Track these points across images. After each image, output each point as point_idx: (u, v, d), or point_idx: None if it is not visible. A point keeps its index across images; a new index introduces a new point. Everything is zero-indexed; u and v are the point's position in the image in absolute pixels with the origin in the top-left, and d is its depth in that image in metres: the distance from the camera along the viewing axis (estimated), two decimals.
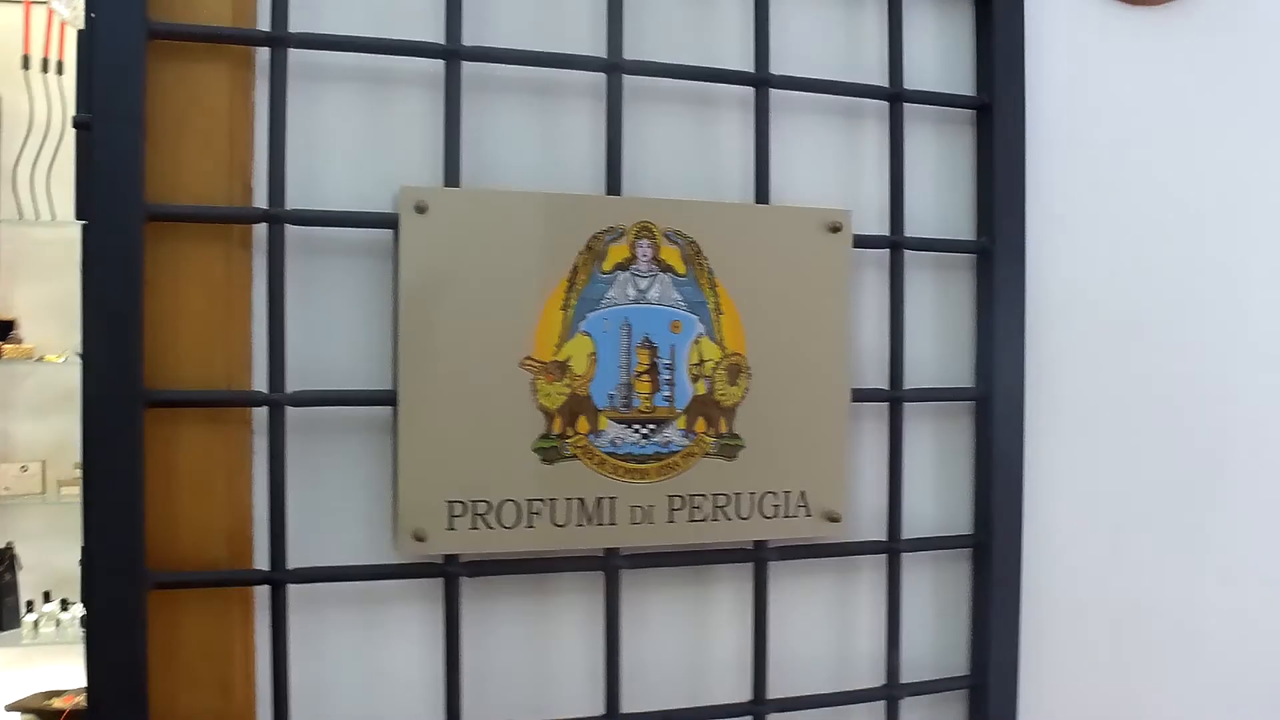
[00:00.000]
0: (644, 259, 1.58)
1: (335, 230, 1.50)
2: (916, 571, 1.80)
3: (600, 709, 1.61)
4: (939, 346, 1.80)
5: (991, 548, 1.78)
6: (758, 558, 1.67)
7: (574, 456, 1.55)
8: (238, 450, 1.47)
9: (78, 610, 5.32)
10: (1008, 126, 1.79)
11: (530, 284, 1.53)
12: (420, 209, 1.49)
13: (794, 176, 1.72)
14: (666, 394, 1.59)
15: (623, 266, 1.57)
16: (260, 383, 1.47)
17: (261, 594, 1.48)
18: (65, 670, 5.40)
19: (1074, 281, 1.86)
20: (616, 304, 1.57)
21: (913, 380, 1.77)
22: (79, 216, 1.44)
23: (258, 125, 1.48)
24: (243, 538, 1.47)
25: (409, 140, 1.55)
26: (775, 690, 1.68)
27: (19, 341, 5.24)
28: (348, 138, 1.53)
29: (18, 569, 5.36)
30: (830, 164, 1.75)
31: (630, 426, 1.57)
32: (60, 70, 5.28)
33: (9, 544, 5.34)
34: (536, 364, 1.53)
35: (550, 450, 1.54)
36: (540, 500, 1.53)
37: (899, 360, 1.74)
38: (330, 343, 1.51)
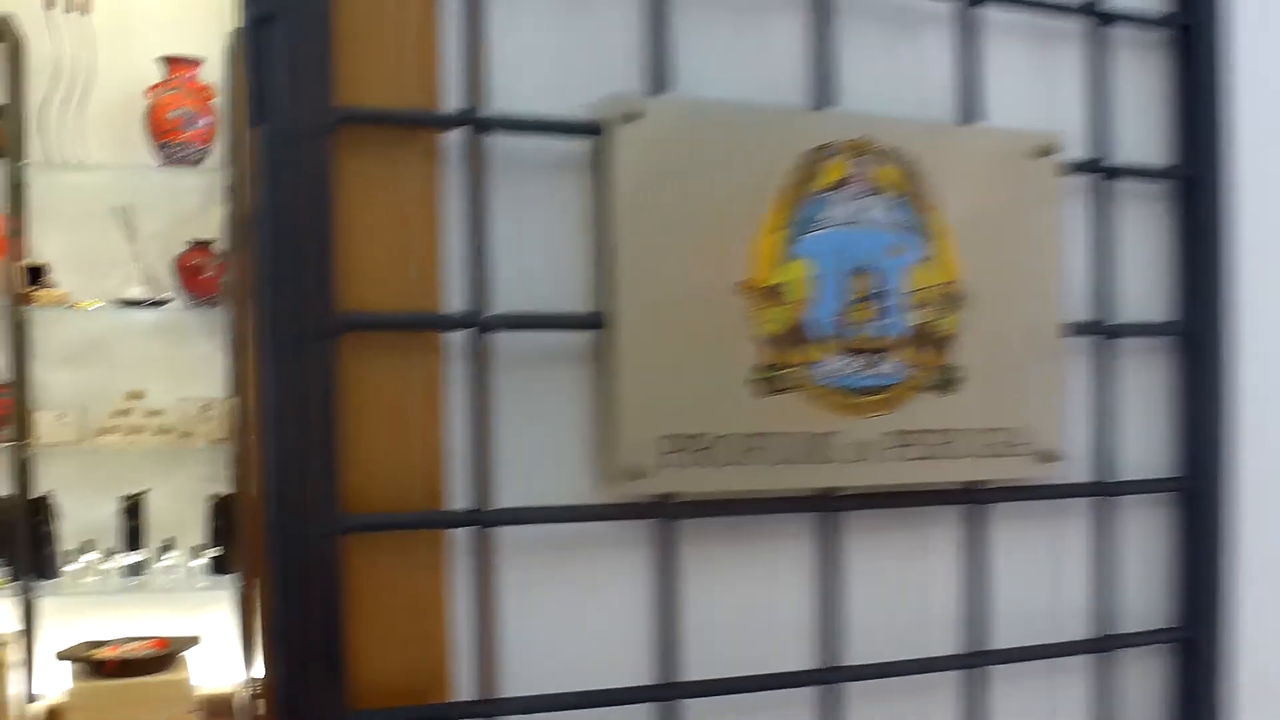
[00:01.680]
0: (859, 179, 1.45)
1: (527, 142, 1.36)
2: (1120, 516, 1.67)
3: (812, 660, 1.48)
4: (1135, 280, 1.67)
5: (1206, 491, 1.66)
6: (973, 499, 1.54)
7: (792, 389, 1.41)
8: (430, 380, 1.33)
9: (119, 560, 5.20)
10: (1207, 47, 1.66)
11: (744, 202, 1.39)
12: (629, 117, 1.35)
13: (994, 98, 1.58)
14: (885, 322, 1.46)
15: (837, 186, 1.44)
16: (450, 306, 1.33)
17: (454, 539, 1.35)
18: (108, 620, 5.30)
19: None
20: (832, 226, 1.43)
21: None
22: (254, 123, 1.30)
23: (444, 26, 1.34)
24: (435, 477, 1.34)
25: (606, 48, 1.40)
26: (987, 641, 1.56)
27: (51, 288, 5.08)
28: (541, 44, 1.38)
29: (57, 518, 5.23)
30: (1026, 87, 1.62)
31: (849, 357, 1.44)
32: (84, 10, 5.11)
33: (47, 493, 5.21)
34: (753, 288, 1.39)
35: (768, 382, 1.40)
36: (758, 435, 1.40)
37: (1108, 293, 1.61)
38: (520, 264, 1.37)
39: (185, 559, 5.33)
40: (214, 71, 5.21)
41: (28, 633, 5.07)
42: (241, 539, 5.24)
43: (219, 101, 5.22)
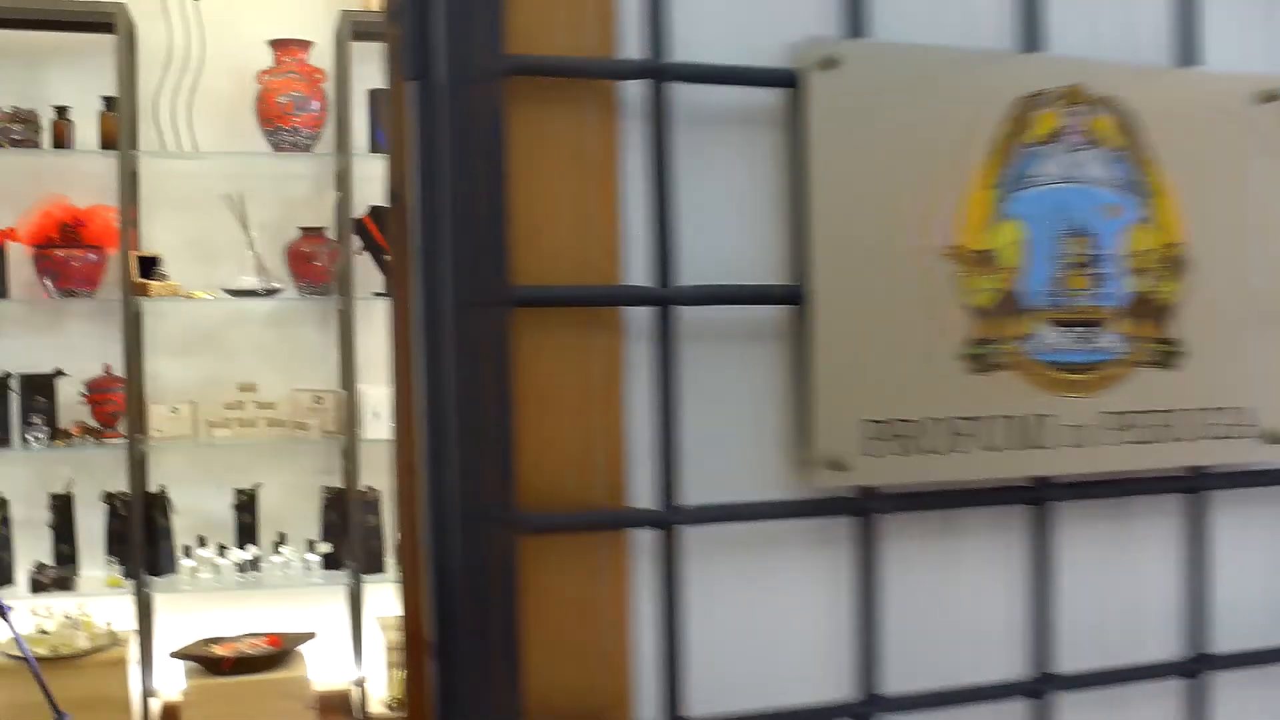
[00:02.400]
0: (1073, 130, 1.29)
1: (711, 95, 1.22)
2: None
3: (1020, 666, 1.34)
4: None
5: None
6: (1194, 486, 1.38)
7: (1004, 366, 1.26)
8: (610, 362, 1.20)
9: (235, 555, 5.15)
10: None
11: (951, 158, 1.24)
12: (826, 64, 1.20)
13: (1211, 39, 1.42)
14: (1101, 291, 1.30)
15: (1049, 139, 1.28)
16: (629, 278, 1.20)
17: (636, 539, 1.22)
18: (222, 616, 5.26)
19: None
20: (1045, 182, 1.28)
21: None
22: (411, 76, 1.17)
23: None
24: (617, 470, 1.20)
25: None
26: (1208, 644, 1.40)
27: (164, 278, 5.03)
28: None
29: (171, 513, 5.19)
30: (1245, 26, 1.45)
31: (1065, 329, 1.29)
32: None
33: (162, 488, 5.17)
34: (962, 253, 1.24)
35: (977, 359, 1.26)
36: (967, 419, 1.25)
37: None
38: (703, 231, 1.23)
39: (299, 554, 5.28)
40: (324, 54, 5.13)
41: (144, 630, 5.03)
42: (354, 533, 5.16)
43: (329, 85, 5.14)
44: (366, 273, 5.17)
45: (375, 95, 5.14)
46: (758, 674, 1.27)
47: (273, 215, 5.22)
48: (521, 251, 1.15)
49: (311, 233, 5.16)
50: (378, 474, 5.29)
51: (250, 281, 5.10)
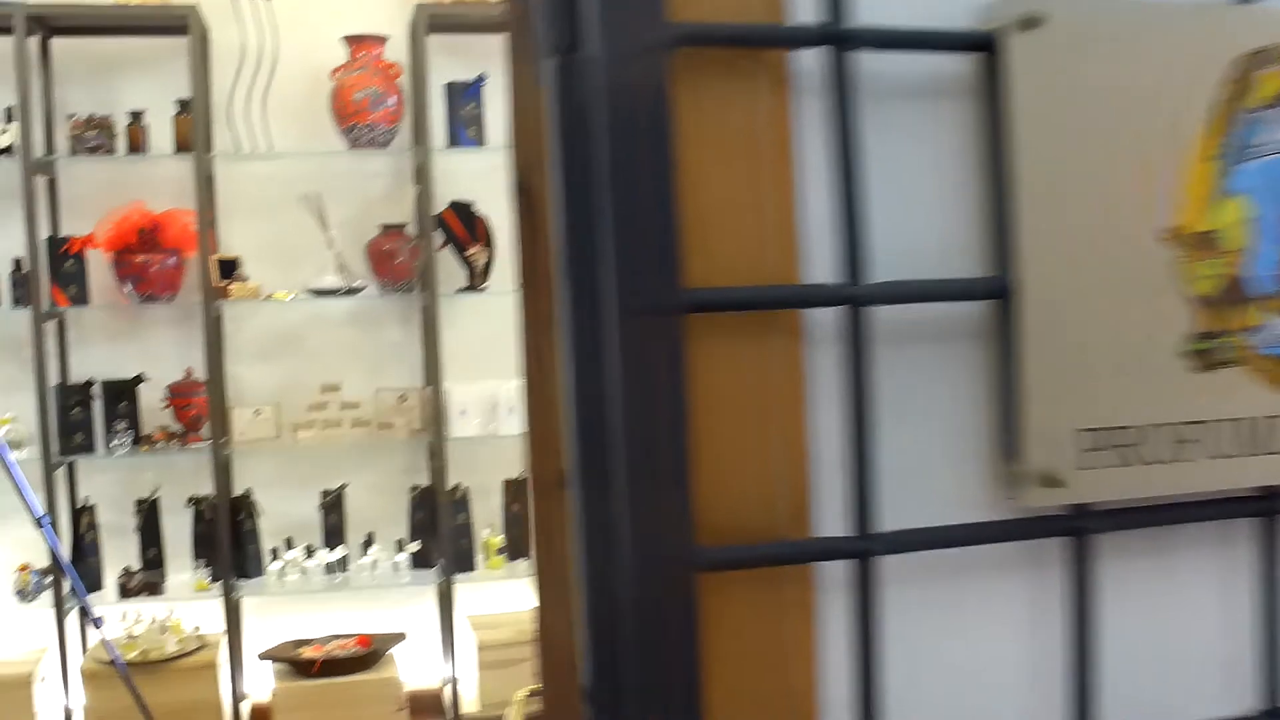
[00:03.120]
0: None
1: (894, 64, 1.08)
2: None
3: (1251, 700, 1.19)
4: None
5: None
6: None
7: (1232, 361, 1.11)
8: (791, 371, 1.06)
9: (322, 557, 5.07)
10: None
11: (1168, 127, 1.09)
12: (1028, 24, 1.05)
13: None
14: None
15: (1276, 101, 1.13)
16: (810, 275, 1.06)
17: (824, 571, 1.08)
18: (311, 618, 5.18)
19: None
20: (1272, 152, 1.12)
21: None
22: (554, 51, 1.03)
23: None
24: (801, 494, 1.06)
25: None
26: None
27: (244, 280, 4.95)
28: None
29: (258, 516, 5.11)
30: None
31: None
32: None
33: (247, 490, 5.10)
34: (1183, 235, 1.09)
35: (1204, 354, 1.10)
36: (1194, 424, 1.10)
37: None
38: (887, 218, 1.08)
39: (387, 554, 5.19)
40: (399, 49, 5.02)
41: (232, 633, 4.96)
42: (444, 532, 5.07)
43: (404, 80, 5.03)
44: (448, 268, 5.06)
45: (452, 88, 5.03)
46: (958, 713, 1.12)
47: (351, 213, 5.13)
48: (690, 249, 1.01)
49: (391, 230, 5.06)
50: (465, 472, 5.20)
51: (331, 281, 5.01)
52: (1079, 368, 1.07)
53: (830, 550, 1.04)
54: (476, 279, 5.10)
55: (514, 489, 5.27)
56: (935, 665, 1.12)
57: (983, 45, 1.06)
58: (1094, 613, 1.13)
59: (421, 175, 4.99)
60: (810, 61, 1.05)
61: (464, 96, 5.02)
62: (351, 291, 5.03)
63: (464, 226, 5.07)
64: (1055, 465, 1.06)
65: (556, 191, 1.07)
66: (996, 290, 1.06)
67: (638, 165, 0.98)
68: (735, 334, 1.03)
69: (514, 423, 5.15)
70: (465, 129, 5.02)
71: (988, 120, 1.08)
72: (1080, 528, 1.09)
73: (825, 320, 1.05)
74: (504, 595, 5.39)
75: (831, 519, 1.06)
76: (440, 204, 5.03)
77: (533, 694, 1.96)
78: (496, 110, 5.09)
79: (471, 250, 5.07)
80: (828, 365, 1.06)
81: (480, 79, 5.04)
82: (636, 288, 0.99)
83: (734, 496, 1.04)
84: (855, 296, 1.02)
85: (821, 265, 1.05)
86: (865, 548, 1.04)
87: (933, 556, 1.10)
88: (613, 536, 1.02)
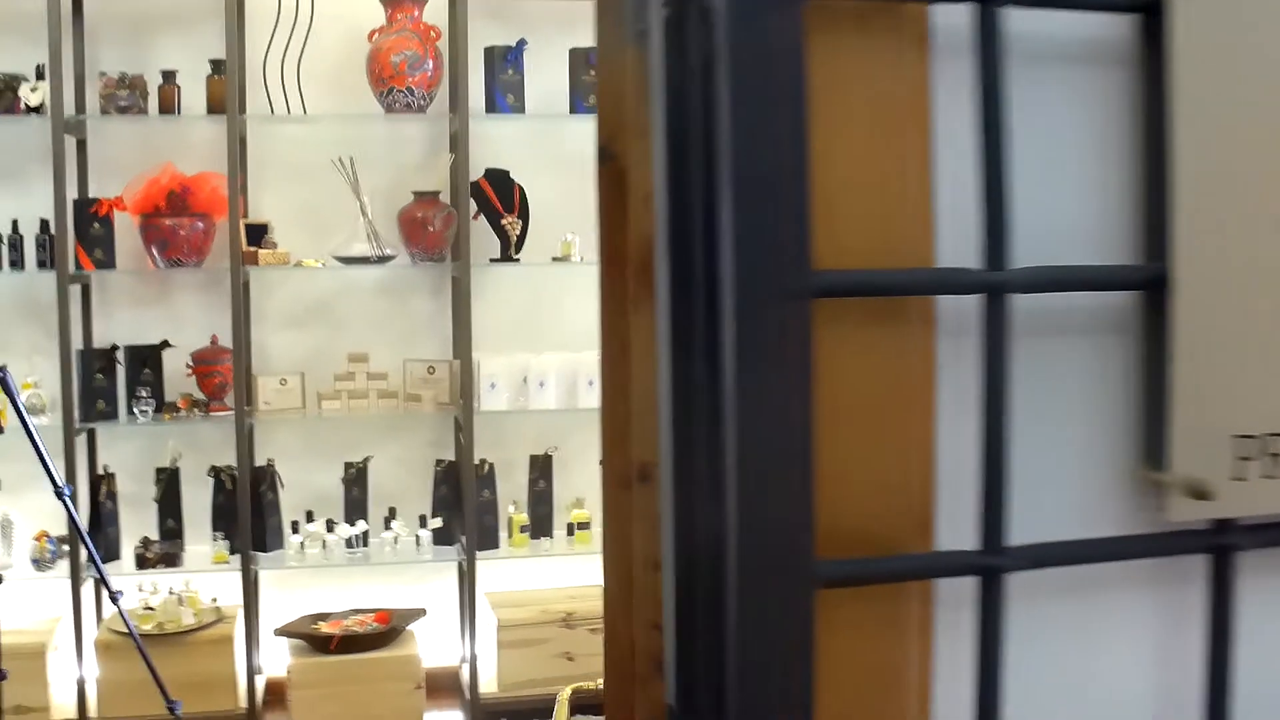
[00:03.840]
0: None
1: (1039, 24, 0.97)
2: None
3: None
4: None
5: None
6: None
7: None
8: (923, 365, 0.95)
9: (344, 531, 4.98)
10: None
11: None
12: None
13: None
14: None
15: None
16: (947, 259, 0.95)
17: (945, 585, 0.97)
18: (331, 592, 5.10)
19: None
20: None
21: None
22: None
23: None
24: (926, 502, 0.96)
25: None
26: None
27: (273, 246, 4.85)
28: None
29: (279, 488, 5.03)
30: None
31: None
32: None
33: (269, 461, 5.01)
34: None
35: None
36: None
37: None
38: (1031, 199, 0.98)
39: (409, 529, 5.10)
40: (438, 11, 4.91)
41: (250, 606, 4.88)
42: (468, 508, 4.98)
43: (443, 44, 4.91)
44: (482, 238, 4.96)
45: (491, 53, 4.91)
46: None
47: (385, 180, 5.01)
48: (817, 227, 0.91)
49: (425, 197, 4.95)
50: (491, 447, 5.10)
51: (361, 249, 4.90)
52: (1235, 368, 0.96)
53: (957, 565, 0.94)
54: (510, 249, 4.99)
55: (540, 465, 5.17)
56: (1057, 689, 1.02)
57: (1145, 6, 0.95)
58: (1235, 637, 1.02)
59: (457, 142, 4.87)
60: (954, 18, 0.94)
61: (504, 62, 4.90)
62: (382, 260, 4.92)
63: (499, 196, 4.96)
64: (1204, 474, 0.96)
65: (658, 160, 0.97)
66: (1151, 280, 0.95)
67: (766, 130, 0.87)
68: (863, 322, 0.93)
69: (545, 397, 5.05)
70: (503, 95, 4.91)
71: (1145, 92, 0.97)
72: (1229, 544, 0.99)
73: (962, 308, 0.95)
74: (527, 573, 5.29)
75: (954, 529, 0.96)
76: (476, 172, 4.92)
77: (576, 692, 1.87)
78: (536, 76, 4.97)
79: (506, 220, 4.96)
80: (961, 358, 0.95)
81: (521, 44, 4.92)
82: (761, 268, 0.89)
83: (854, 503, 0.94)
84: (1000, 283, 0.92)
85: (957, 247, 0.95)
86: (996, 564, 0.93)
87: (1059, 571, 1.00)
88: (712, 542, 0.92)
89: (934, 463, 0.95)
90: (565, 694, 1.81)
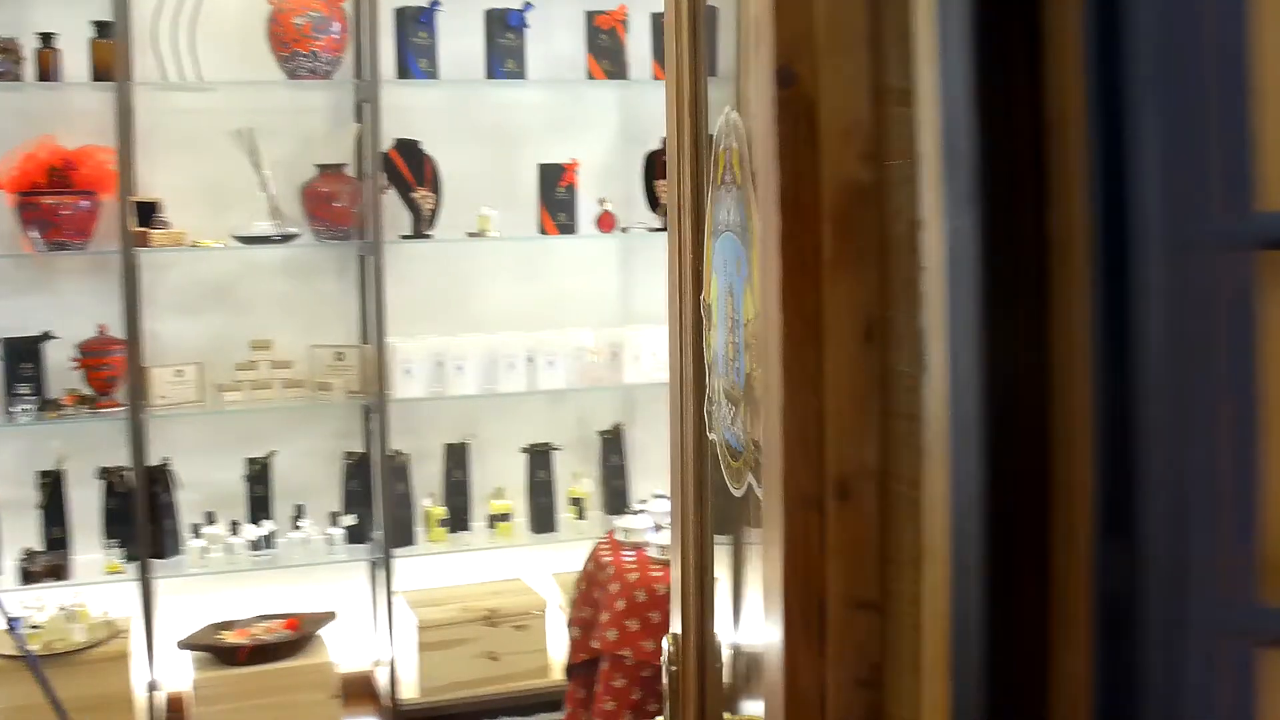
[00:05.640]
0: None
1: None
2: None
3: None
4: None
5: None
6: None
7: None
8: None
9: (248, 532, 4.63)
10: None
11: None
12: None
13: None
14: None
15: None
16: None
17: None
18: (236, 598, 4.75)
19: None
20: None
21: None
22: None
23: None
24: None
25: None
26: None
27: (166, 226, 4.47)
28: None
29: (177, 488, 4.65)
30: None
31: None
32: None
33: (165, 460, 4.63)
34: None
35: None
36: None
37: None
38: None
39: (319, 527, 4.77)
40: None
41: (147, 619, 4.50)
42: (382, 503, 4.66)
43: (349, 4, 4.58)
44: (393, 214, 4.64)
45: (402, 14, 4.59)
46: None
47: (287, 152, 4.69)
48: (1266, 156, 0.64)
49: (331, 171, 4.62)
50: (404, 436, 4.80)
51: (263, 227, 4.57)
52: None
53: None
54: (423, 225, 4.69)
55: (456, 454, 4.89)
56: None
57: None
58: None
59: (366, 110, 4.56)
60: None
61: (416, 24, 4.59)
62: (285, 239, 4.58)
63: (410, 168, 4.65)
64: None
65: (953, 79, 0.69)
66: None
67: (1191, 27, 0.60)
68: None
69: (464, 382, 4.76)
70: (415, 60, 4.60)
71: None
72: None
73: None
74: (446, 569, 5.01)
75: None
76: (385, 142, 4.61)
77: None
78: (450, 40, 4.68)
79: (418, 193, 4.66)
80: None
81: (434, 4, 4.62)
82: (1182, 212, 0.62)
83: None
84: None
85: None
86: None
87: None
88: (1097, 584, 0.66)
89: None
90: None
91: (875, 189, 0.94)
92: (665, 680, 1.51)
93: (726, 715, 1.46)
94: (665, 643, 1.53)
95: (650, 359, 4.98)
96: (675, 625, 1.53)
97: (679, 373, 1.51)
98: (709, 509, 1.46)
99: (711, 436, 1.40)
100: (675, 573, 1.52)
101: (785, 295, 0.96)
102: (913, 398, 0.91)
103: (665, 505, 4.03)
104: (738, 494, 1.31)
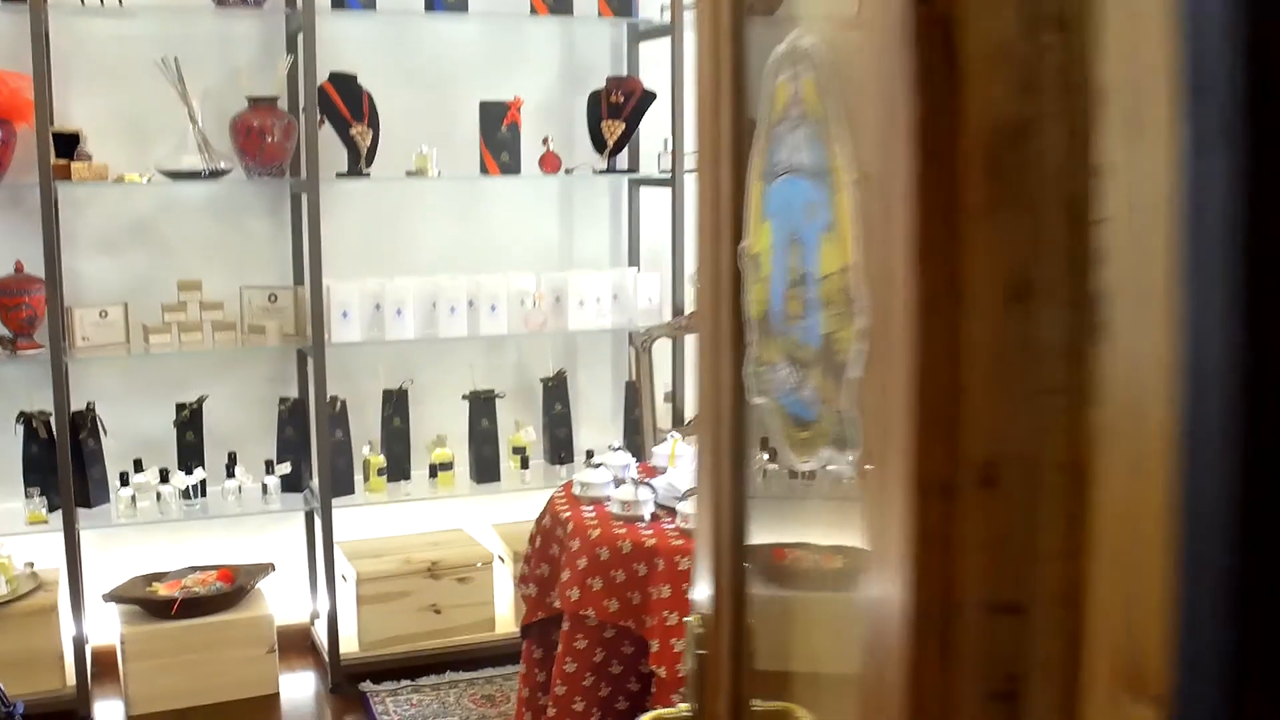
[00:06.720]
0: None
1: None
2: None
3: None
4: None
5: None
6: None
7: None
8: None
9: (178, 481, 4.44)
10: None
11: None
12: None
13: None
14: None
15: None
16: None
17: None
18: (167, 550, 4.57)
19: None
20: None
21: None
22: None
23: None
24: None
25: None
26: None
27: (88, 159, 4.23)
28: None
29: (102, 435, 4.44)
30: None
31: None
32: None
33: (89, 405, 4.42)
34: None
35: None
36: None
37: None
38: None
39: (253, 476, 4.58)
40: None
41: (73, 571, 4.29)
42: (319, 450, 4.48)
43: None
44: (328, 151, 4.43)
45: None
46: None
47: (216, 83, 4.46)
48: None
49: (262, 104, 4.40)
50: (341, 381, 4.61)
51: (191, 161, 4.35)
52: None
53: None
54: (360, 163, 4.48)
55: (396, 400, 4.71)
56: None
57: None
58: None
59: (299, 41, 4.34)
60: None
61: None
62: (215, 174, 4.35)
63: (346, 103, 4.43)
64: None
65: None
66: None
67: None
68: None
69: (402, 326, 4.57)
70: None
71: None
72: None
73: None
74: (385, 520, 4.86)
75: None
76: (320, 76, 4.38)
77: None
78: None
79: (355, 130, 4.44)
80: None
81: None
82: None
83: None
84: None
85: None
86: None
87: None
88: None
89: None
90: None
91: (1028, 126, 0.80)
92: (691, 664, 1.39)
93: (756, 701, 1.34)
94: (690, 623, 1.40)
95: (594, 304, 4.82)
96: (704, 603, 1.39)
97: (715, 329, 1.36)
98: (746, 480, 1.33)
99: (758, 401, 1.26)
100: (704, 544, 1.39)
101: (921, 250, 0.82)
102: (1070, 370, 0.78)
103: (622, 459, 3.90)
104: (804, 467, 1.18)
